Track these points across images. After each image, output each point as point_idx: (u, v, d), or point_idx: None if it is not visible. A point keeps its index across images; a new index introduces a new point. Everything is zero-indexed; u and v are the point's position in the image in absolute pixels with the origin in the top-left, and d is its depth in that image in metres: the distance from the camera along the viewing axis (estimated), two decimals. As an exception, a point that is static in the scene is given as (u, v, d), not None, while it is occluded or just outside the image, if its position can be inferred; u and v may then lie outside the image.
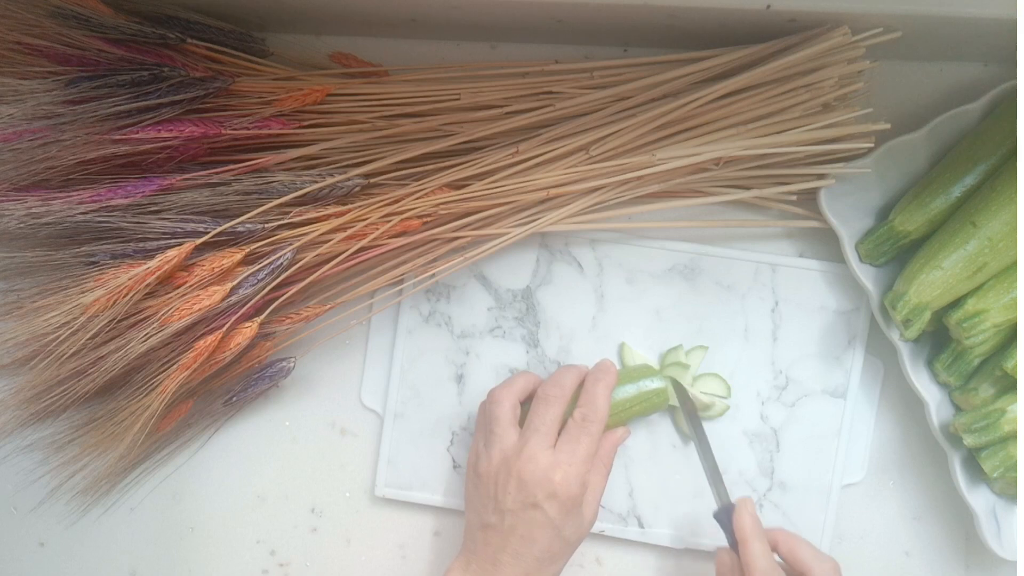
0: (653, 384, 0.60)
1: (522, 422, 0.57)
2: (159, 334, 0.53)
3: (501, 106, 0.58)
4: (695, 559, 0.63)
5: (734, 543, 0.54)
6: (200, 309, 0.53)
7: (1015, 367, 0.55)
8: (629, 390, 0.59)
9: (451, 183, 0.58)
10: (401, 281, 0.61)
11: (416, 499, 0.64)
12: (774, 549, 0.54)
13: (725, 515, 0.56)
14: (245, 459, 0.65)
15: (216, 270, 0.54)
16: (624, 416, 0.60)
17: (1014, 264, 0.56)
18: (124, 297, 0.52)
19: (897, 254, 0.59)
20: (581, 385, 0.57)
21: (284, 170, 0.56)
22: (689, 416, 0.60)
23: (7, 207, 0.52)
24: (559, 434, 0.55)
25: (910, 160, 0.59)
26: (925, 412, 0.59)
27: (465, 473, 0.60)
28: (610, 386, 0.57)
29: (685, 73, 0.57)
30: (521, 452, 0.54)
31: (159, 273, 0.53)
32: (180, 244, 0.53)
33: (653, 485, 0.63)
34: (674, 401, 0.61)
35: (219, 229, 0.54)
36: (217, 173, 0.55)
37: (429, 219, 0.58)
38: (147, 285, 0.53)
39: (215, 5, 0.57)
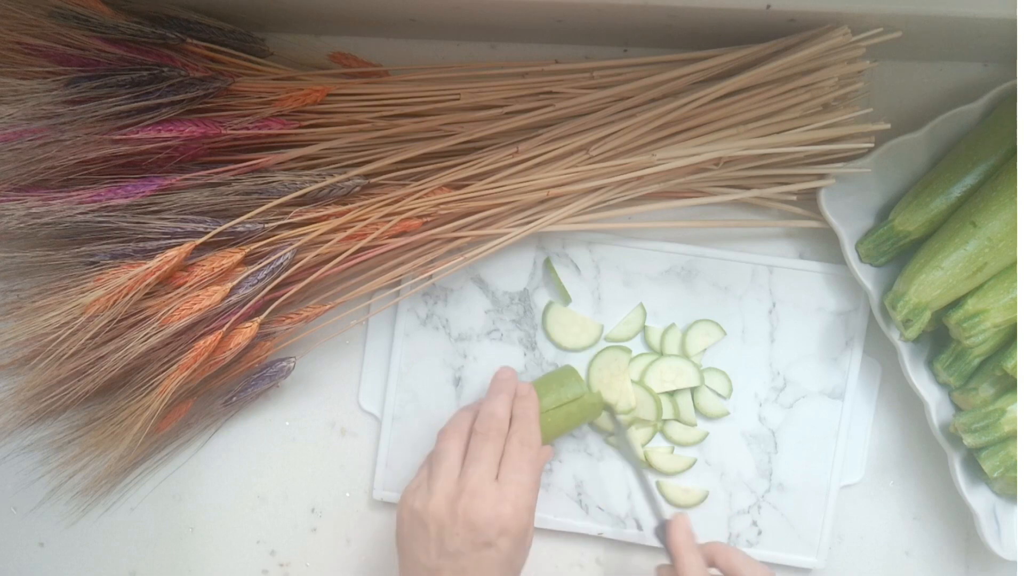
0: (571, 392, 0.58)
1: None
2: (159, 334, 0.53)
3: (501, 106, 0.58)
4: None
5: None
6: (200, 309, 0.53)
7: (1015, 367, 0.55)
8: (549, 400, 0.58)
9: (451, 183, 0.58)
10: (399, 282, 0.61)
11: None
12: (711, 563, 0.54)
13: (662, 531, 0.57)
14: (245, 459, 0.65)
15: (216, 270, 0.54)
16: (556, 427, 0.58)
17: (1014, 264, 0.56)
18: (124, 297, 0.52)
19: (897, 254, 0.59)
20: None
21: (284, 170, 0.56)
22: (619, 436, 0.60)
23: (7, 207, 0.52)
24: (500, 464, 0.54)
25: (910, 160, 0.59)
26: (925, 412, 0.59)
27: (397, 513, 0.55)
28: (535, 406, 0.56)
29: (685, 73, 0.57)
30: (464, 490, 0.52)
31: (159, 273, 0.53)
32: (180, 244, 0.54)
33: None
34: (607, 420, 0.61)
35: (219, 229, 0.54)
36: (217, 173, 0.55)
37: (429, 219, 0.58)
38: (147, 285, 0.53)
39: (215, 5, 0.57)
